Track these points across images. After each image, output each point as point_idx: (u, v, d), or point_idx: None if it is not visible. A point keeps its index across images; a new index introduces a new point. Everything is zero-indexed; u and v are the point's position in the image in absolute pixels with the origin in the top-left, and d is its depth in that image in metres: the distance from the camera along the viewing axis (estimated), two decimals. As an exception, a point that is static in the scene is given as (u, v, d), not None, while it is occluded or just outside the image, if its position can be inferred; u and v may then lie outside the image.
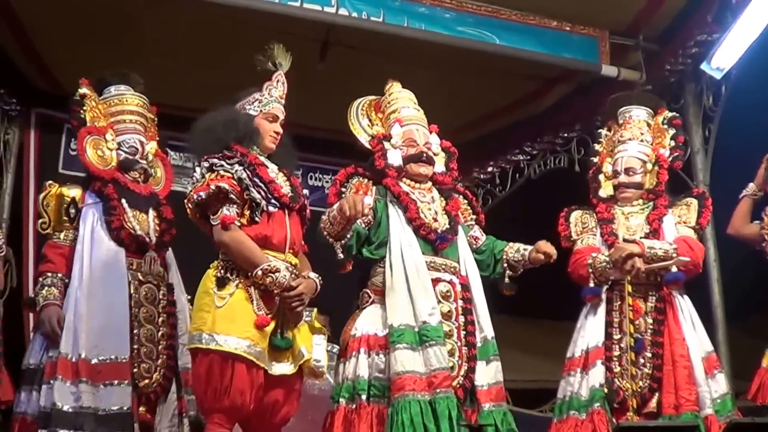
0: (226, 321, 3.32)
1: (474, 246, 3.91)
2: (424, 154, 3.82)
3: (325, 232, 3.50)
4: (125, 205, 3.98)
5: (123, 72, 4.23)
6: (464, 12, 5.60)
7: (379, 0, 5.42)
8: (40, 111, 6.27)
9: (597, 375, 4.04)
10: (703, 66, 5.52)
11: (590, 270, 4.16)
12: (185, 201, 3.48)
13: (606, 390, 4.01)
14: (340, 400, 3.55)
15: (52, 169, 6.14)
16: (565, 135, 6.53)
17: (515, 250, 3.89)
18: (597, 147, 4.53)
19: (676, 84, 5.87)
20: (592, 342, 4.12)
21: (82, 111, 4.07)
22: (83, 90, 4.10)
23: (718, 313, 5.55)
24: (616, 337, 4.10)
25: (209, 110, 3.59)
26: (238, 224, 3.40)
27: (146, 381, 3.87)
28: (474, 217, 4.01)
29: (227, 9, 5.19)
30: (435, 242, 3.71)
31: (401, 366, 3.47)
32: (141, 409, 3.87)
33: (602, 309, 4.15)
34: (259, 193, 3.43)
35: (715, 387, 4.05)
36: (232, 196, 3.39)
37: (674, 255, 4.05)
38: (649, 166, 4.31)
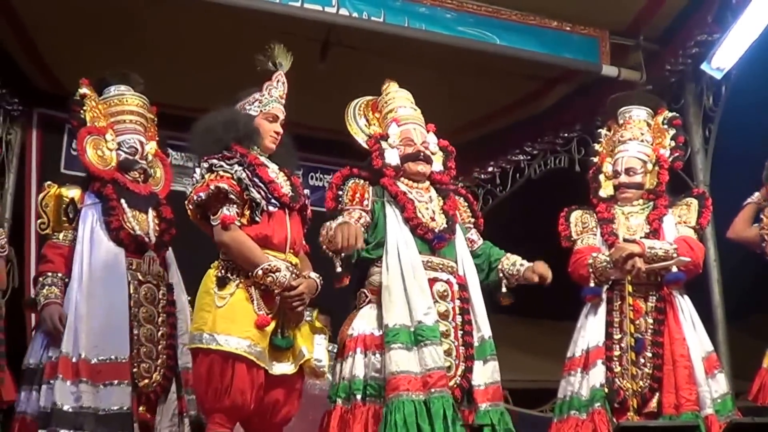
0: (227, 321, 3.32)
1: (469, 249, 3.90)
2: (422, 153, 3.82)
3: (323, 246, 3.50)
4: (124, 205, 3.99)
5: (123, 72, 4.23)
6: (465, 12, 5.60)
7: (380, 0, 5.42)
8: (42, 111, 6.27)
9: (597, 375, 4.04)
10: (704, 66, 5.53)
11: (590, 270, 4.16)
12: (185, 202, 3.49)
13: (606, 390, 4.02)
14: (337, 400, 3.55)
15: (54, 169, 6.14)
16: (566, 135, 6.53)
17: (511, 263, 3.85)
18: (597, 147, 4.53)
19: (676, 84, 5.88)
20: (593, 342, 4.12)
21: (82, 111, 4.07)
22: (83, 90, 4.10)
23: (718, 313, 5.56)
24: (617, 336, 4.10)
25: (210, 110, 3.59)
26: (238, 224, 3.40)
27: (146, 381, 3.87)
28: (473, 220, 3.99)
29: (228, 9, 5.19)
30: (432, 242, 3.71)
31: (396, 366, 3.47)
32: (141, 408, 3.88)
33: (602, 309, 4.16)
34: (259, 193, 3.43)
35: (715, 387, 4.06)
36: (231, 196, 3.39)
37: (675, 255, 4.06)
38: (650, 166, 4.31)
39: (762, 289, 5.56)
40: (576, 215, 4.38)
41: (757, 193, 4.55)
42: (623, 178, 4.30)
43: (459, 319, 3.67)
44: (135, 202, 4.04)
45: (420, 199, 3.80)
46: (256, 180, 3.45)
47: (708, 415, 3.96)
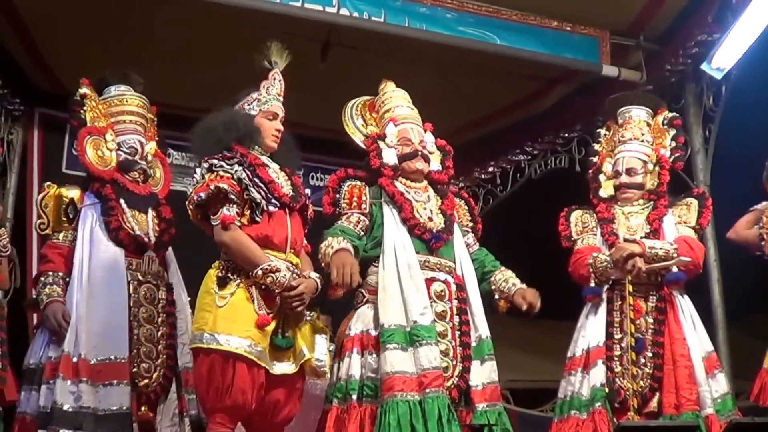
0: (227, 321, 3.33)
1: None
2: (419, 152, 3.83)
3: (322, 263, 3.51)
4: (124, 205, 3.99)
5: (123, 72, 4.24)
6: (465, 12, 5.60)
7: (380, 0, 5.43)
8: (44, 111, 6.27)
9: (598, 374, 4.05)
10: (704, 66, 5.53)
11: (591, 270, 4.17)
12: (186, 202, 3.50)
13: (607, 390, 4.02)
14: (333, 400, 3.56)
15: (56, 168, 6.15)
16: (566, 135, 6.54)
17: (504, 279, 3.84)
18: (596, 147, 4.54)
19: (676, 84, 5.88)
20: (593, 341, 4.13)
21: (82, 111, 4.08)
22: (83, 90, 4.11)
23: (719, 313, 5.56)
24: (617, 336, 4.11)
25: (211, 110, 3.60)
26: (239, 224, 3.40)
27: (146, 381, 3.88)
28: (471, 224, 3.98)
29: (229, 9, 5.20)
30: (430, 242, 3.70)
31: (390, 366, 3.47)
32: (143, 408, 3.88)
33: (603, 309, 4.16)
34: (259, 193, 3.44)
35: (715, 387, 4.06)
36: (231, 196, 3.40)
37: (675, 255, 4.06)
38: (650, 166, 4.32)
39: (762, 289, 5.57)
40: (576, 215, 4.38)
41: (765, 203, 4.54)
42: (624, 178, 4.30)
43: (456, 319, 3.68)
44: (134, 203, 4.05)
45: (418, 198, 3.80)
46: (257, 180, 3.45)
47: (708, 415, 3.97)
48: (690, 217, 4.27)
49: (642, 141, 4.35)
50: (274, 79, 3.65)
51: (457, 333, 3.66)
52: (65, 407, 3.67)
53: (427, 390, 3.46)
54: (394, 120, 3.87)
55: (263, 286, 3.38)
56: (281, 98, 3.66)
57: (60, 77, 5.99)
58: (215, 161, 3.44)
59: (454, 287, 3.72)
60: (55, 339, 3.83)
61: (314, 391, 3.80)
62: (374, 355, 3.55)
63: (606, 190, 4.38)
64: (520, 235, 7.05)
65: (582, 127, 6.33)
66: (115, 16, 5.49)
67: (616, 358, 4.08)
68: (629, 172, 4.29)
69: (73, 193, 4.02)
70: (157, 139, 4.29)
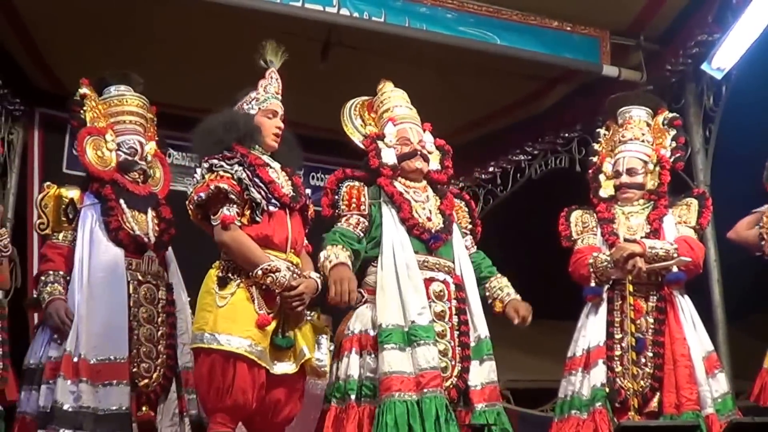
0: (228, 320, 3.33)
1: None
2: (419, 152, 3.83)
3: (321, 273, 3.52)
4: (123, 205, 4.00)
5: (123, 72, 4.24)
6: (465, 12, 5.60)
7: (381, 0, 5.43)
8: (44, 111, 6.27)
9: (598, 374, 4.06)
10: (704, 66, 5.52)
11: (591, 270, 4.17)
12: (186, 202, 3.50)
13: (607, 389, 4.02)
14: (332, 400, 3.56)
15: (56, 168, 6.15)
16: (566, 135, 6.54)
17: (499, 287, 3.85)
18: (596, 146, 4.54)
19: (676, 84, 5.88)
20: (594, 341, 4.13)
21: (82, 111, 4.08)
22: (83, 90, 4.11)
23: (719, 313, 5.56)
24: (618, 336, 4.11)
25: (212, 110, 3.61)
26: (239, 224, 3.41)
27: (146, 380, 3.88)
28: (470, 227, 3.98)
29: (229, 9, 5.20)
30: (428, 242, 3.70)
31: (388, 366, 3.47)
32: (144, 408, 3.88)
33: (603, 308, 4.16)
34: (259, 193, 3.44)
35: (715, 386, 4.07)
36: (231, 196, 3.40)
37: (675, 255, 4.07)
38: (651, 166, 4.32)
39: (762, 289, 5.56)
40: (576, 215, 4.39)
41: (766, 206, 4.54)
42: (624, 178, 4.30)
43: (455, 319, 3.68)
44: (134, 203, 4.05)
45: (417, 198, 3.80)
46: (257, 180, 3.46)
47: (709, 415, 3.97)
48: (690, 217, 4.28)
49: (642, 141, 4.35)
50: (272, 77, 3.66)
51: (456, 333, 3.66)
52: (65, 407, 3.67)
53: (425, 390, 3.46)
54: (393, 120, 3.87)
55: (263, 286, 3.38)
56: (279, 96, 3.66)
57: (60, 77, 5.99)
58: (215, 161, 3.44)
59: (453, 287, 3.72)
60: (56, 337, 3.84)
61: (315, 391, 3.80)
62: (373, 355, 3.55)
63: (606, 190, 4.38)
64: (521, 235, 7.05)
65: (582, 127, 6.33)
66: (115, 16, 5.49)
67: (616, 358, 4.08)
68: (630, 172, 4.30)
69: (72, 193, 4.02)
70: (156, 139, 4.30)
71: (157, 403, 3.94)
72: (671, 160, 4.33)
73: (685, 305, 4.16)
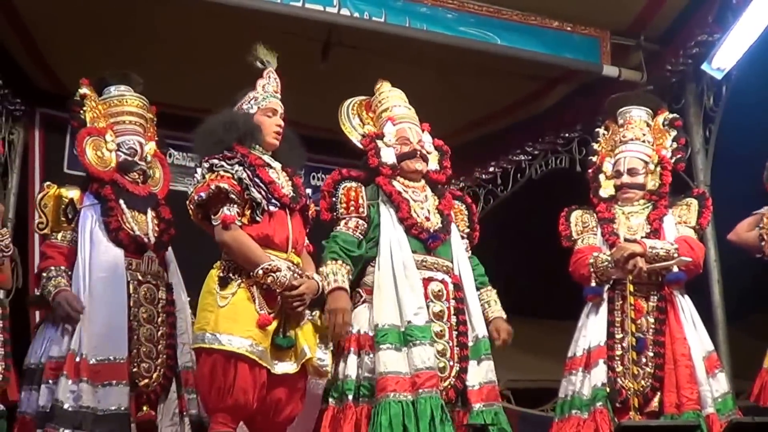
0: (229, 320, 3.34)
1: None
2: (418, 153, 3.83)
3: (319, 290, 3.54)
4: (123, 206, 4.00)
5: (123, 72, 4.24)
6: (466, 12, 5.60)
7: (381, 0, 5.43)
8: (45, 111, 6.26)
9: (599, 374, 4.06)
10: (704, 66, 5.53)
11: (592, 269, 4.17)
12: (187, 202, 3.51)
13: (608, 389, 4.03)
14: (330, 400, 3.57)
15: (57, 168, 6.14)
16: (567, 135, 6.53)
17: (486, 301, 3.87)
18: (595, 146, 4.54)
19: (677, 84, 5.88)
20: (594, 341, 4.13)
21: (82, 111, 4.08)
22: (83, 90, 4.11)
23: (719, 313, 5.56)
24: (618, 336, 4.11)
25: (212, 110, 3.62)
26: (239, 224, 3.41)
27: (146, 380, 3.88)
28: (468, 231, 3.98)
29: (230, 9, 5.20)
30: (427, 241, 3.71)
31: (384, 366, 3.49)
32: (144, 408, 3.88)
33: (604, 308, 4.17)
34: (260, 192, 3.45)
35: (716, 386, 4.08)
36: (232, 195, 3.41)
37: (676, 255, 4.07)
38: (651, 166, 4.32)
39: (762, 289, 5.55)
40: (576, 215, 4.39)
41: (766, 207, 4.54)
42: (625, 179, 4.31)
43: (454, 319, 3.68)
44: (134, 203, 4.05)
45: (415, 198, 3.80)
46: (257, 180, 3.46)
47: (709, 414, 3.98)
48: (690, 218, 4.28)
49: (643, 141, 4.35)
50: (270, 76, 3.67)
51: (455, 333, 3.67)
52: (65, 406, 3.67)
53: (420, 390, 3.46)
54: (392, 119, 3.88)
55: (264, 286, 3.39)
56: (278, 95, 3.67)
57: (61, 77, 5.99)
58: (216, 161, 3.45)
59: (451, 287, 3.72)
60: (63, 332, 3.81)
61: (316, 391, 3.79)
62: (371, 355, 3.56)
63: (606, 189, 4.38)
64: (521, 235, 7.06)
65: (582, 128, 6.32)
66: (115, 15, 5.49)
67: (617, 358, 4.09)
68: (631, 172, 4.30)
69: (72, 193, 4.02)
70: (156, 139, 4.30)
71: (158, 403, 3.94)
72: (672, 161, 4.34)
73: (685, 305, 4.17)
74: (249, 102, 3.63)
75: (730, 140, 5.81)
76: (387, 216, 3.72)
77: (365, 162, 3.84)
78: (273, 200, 3.48)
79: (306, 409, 3.60)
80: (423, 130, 3.93)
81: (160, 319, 3.99)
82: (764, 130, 5.35)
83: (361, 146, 3.88)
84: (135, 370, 3.85)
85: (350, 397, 3.53)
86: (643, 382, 4.03)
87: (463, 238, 3.93)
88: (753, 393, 4.25)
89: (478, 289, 3.87)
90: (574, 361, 4.19)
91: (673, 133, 4.39)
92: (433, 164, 3.91)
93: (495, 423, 3.59)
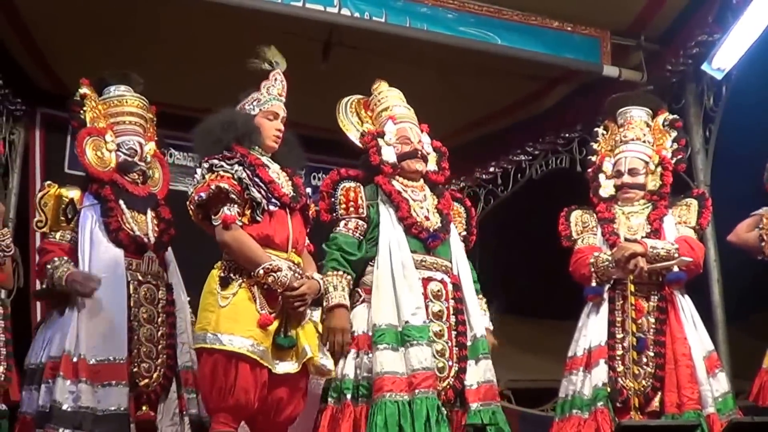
0: (230, 320, 3.34)
1: None
2: (419, 152, 3.84)
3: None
4: (123, 206, 4.00)
5: (123, 72, 4.24)
6: (466, 12, 5.60)
7: (382, 0, 5.44)
8: (45, 111, 6.26)
9: (600, 374, 4.06)
10: (704, 66, 5.53)
11: (592, 269, 4.18)
12: (187, 202, 3.51)
13: (609, 389, 4.03)
14: (329, 399, 3.57)
15: (58, 168, 6.14)
16: (567, 135, 6.54)
17: None
18: (594, 146, 4.54)
19: (677, 84, 5.88)
20: (595, 341, 4.13)
21: (82, 111, 4.08)
22: (83, 90, 4.11)
23: (718, 313, 5.57)
24: (619, 336, 4.11)
25: (212, 110, 3.61)
26: (240, 224, 3.41)
27: (146, 380, 3.88)
28: (465, 234, 3.98)
29: (230, 9, 5.20)
30: (426, 240, 3.71)
31: (380, 366, 3.49)
32: (144, 408, 3.89)
33: (604, 308, 4.17)
34: (260, 192, 3.45)
35: (716, 386, 4.08)
36: (232, 195, 3.41)
37: (676, 255, 4.08)
38: (652, 166, 4.33)
39: (762, 289, 5.55)
40: (576, 215, 4.39)
41: (765, 208, 4.55)
42: (626, 179, 4.31)
43: (453, 319, 3.68)
44: (133, 204, 4.05)
45: (415, 197, 3.80)
46: (257, 180, 3.46)
47: (710, 414, 3.99)
48: (690, 218, 4.29)
49: (644, 142, 4.35)
50: (276, 79, 3.66)
51: (454, 333, 3.67)
52: (64, 406, 3.67)
53: (417, 391, 3.46)
54: (393, 118, 3.87)
55: (265, 286, 3.39)
56: (282, 98, 3.66)
57: (61, 77, 5.99)
58: (215, 161, 3.45)
59: (450, 287, 3.72)
60: (66, 327, 3.81)
61: (318, 391, 3.80)
62: (369, 355, 3.56)
63: (606, 189, 4.39)
64: (521, 235, 7.06)
65: (583, 128, 6.33)
66: (116, 15, 5.50)
67: (618, 358, 4.09)
68: (631, 172, 4.30)
69: (73, 193, 4.02)
70: (156, 139, 4.29)
71: (158, 403, 3.94)
72: (672, 161, 4.34)
73: (685, 305, 4.17)
74: (251, 103, 3.63)
75: (730, 140, 5.81)
76: (386, 216, 3.72)
77: (365, 160, 3.83)
78: (273, 200, 3.49)
79: (307, 408, 3.59)
80: (422, 131, 3.93)
81: (160, 319, 3.99)
82: (764, 130, 5.35)
83: (359, 143, 3.88)
84: (135, 370, 3.85)
85: (348, 396, 3.53)
86: (643, 382, 4.03)
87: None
88: (752, 393, 4.26)
89: None
90: (575, 360, 4.19)
91: (674, 134, 4.40)
92: (432, 165, 3.91)
93: (492, 422, 3.59)
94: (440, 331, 3.64)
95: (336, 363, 3.57)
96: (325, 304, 3.58)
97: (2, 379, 3.82)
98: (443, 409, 3.51)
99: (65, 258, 3.92)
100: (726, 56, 5.44)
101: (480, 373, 3.67)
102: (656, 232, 4.18)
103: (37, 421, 3.76)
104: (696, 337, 4.12)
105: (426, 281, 3.68)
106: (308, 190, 3.75)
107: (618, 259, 4.08)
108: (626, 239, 4.18)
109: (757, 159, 4.55)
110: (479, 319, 3.76)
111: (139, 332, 3.90)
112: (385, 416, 3.40)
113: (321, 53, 5.79)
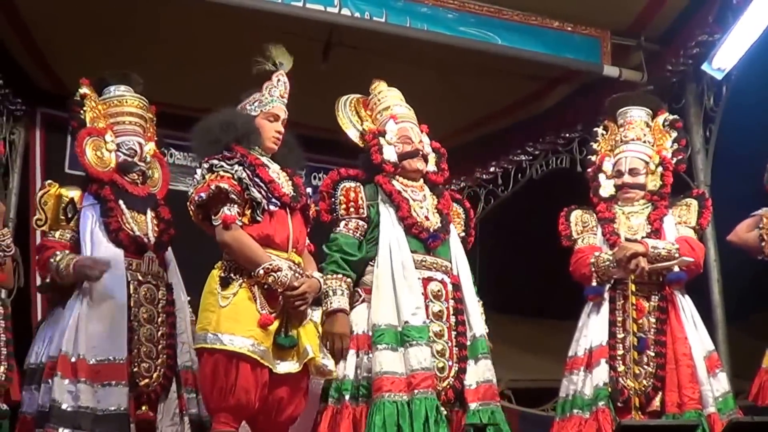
0: (230, 320, 3.34)
1: None
2: (420, 152, 3.83)
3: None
4: (123, 206, 4.00)
5: (123, 72, 4.23)
6: (466, 12, 5.61)
7: (382, 0, 5.44)
8: (45, 111, 6.27)
9: (601, 374, 4.06)
10: (704, 66, 5.53)
11: (593, 269, 4.18)
12: (187, 203, 3.51)
13: (610, 389, 4.03)
14: (329, 399, 3.57)
15: (58, 168, 6.14)
16: (567, 135, 6.54)
17: None
18: (594, 146, 4.54)
19: (677, 84, 5.88)
20: (596, 341, 4.14)
21: (82, 111, 4.08)
22: (83, 90, 4.11)
23: (718, 313, 5.57)
24: (620, 336, 4.12)
25: (212, 110, 3.61)
26: (240, 224, 3.41)
27: (146, 380, 3.88)
28: (463, 236, 3.97)
29: (230, 9, 5.21)
30: (427, 240, 3.71)
31: (380, 366, 3.49)
32: (143, 408, 3.89)
33: (605, 308, 4.17)
34: (260, 192, 3.45)
35: (717, 385, 4.09)
36: (232, 195, 3.40)
37: (677, 255, 4.08)
38: (652, 166, 4.33)
39: (762, 289, 5.56)
40: (576, 215, 4.39)
41: (765, 209, 4.55)
42: (627, 178, 4.31)
43: (453, 319, 3.68)
44: (133, 204, 4.05)
45: (415, 197, 3.80)
46: (257, 179, 3.46)
47: (710, 414, 3.99)
48: (690, 218, 4.29)
49: (644, 142, 4.36)
50: (278, 80, 3.64)
51: (453, 333, 3.67)
52: (63, 406, 3.67)
53: (416, 391, 3.46)
54: (394, 117, 3.88)
55: (265, 286, 3.39)
56: (284, 100, 3.64)
57: (61, 77, 5.99)
58: (215, 161, 3.44)
59: (450, 287, 3.73)
60: (65, 326, 3.80)
61: (318, 391, 3.80)
62: (369, 355, 3.56)
63: (606, 189, 4.39)
64: (521, 235, 7.06)
65: (583, 128, 6.32)
66: (116, 15, 5.50)
67: (619, 358, 4.09)
68: (632, 172, 4.30)
69: (73, 193, 4.02)
70: (156, 139, 4.29)
71: (158, 403, 3.94)
72: (673, 161, 4.34)
73: (686, 305, 4.17)
74: (253, 103, 3.62)
75: (730, 140, 5.81)
76: (386, 215, 3.73)
77: (365, 159, 3.83)
78: (273, 200, 3.48)
79: (308, 408, 3.59)
80: (421, 131, 3.93)
81: (160, 319, 3.99)
82: (764, 130, 5.36)
83: (358, 141, 3.88)
84: (135, 370, 3.85)
85: (348, 396, 3.53)
86: (644, 382, 4.03)
87: None
88: (752, 392, 4.26)
89: None
90: (576, 360, 4.19)
91: (674, 134, 4.40)
92: (431, 166, 3.91)
93: (492, 422, 3.58)
94: (440, 331, 3.64)
95: (335, 365, 3.57)
96: (324, 308, 3.58)
97: (3, 379, 3.82)
98: (442, 409, 3.51)
99: (67, 251, 3.92)
100: (726, 56, 5.44)
101: (479, 372, 3.67)
102: (656, 232, 4.18)
103: (37, 420, 3.76)
104: (696, 337, 4.13)
105: (426, 281, 3.68)
106: (308, 190, 3.74)
107: (619, 258, 4.08)
108: (627, 239, 4.18)
109: (757, 159, 4.55)
110: (479, 318, 3.76)
111: (139, 332, 3.90)
112: (384, 416, 3.40)
113: (321, 53, 5.79)
